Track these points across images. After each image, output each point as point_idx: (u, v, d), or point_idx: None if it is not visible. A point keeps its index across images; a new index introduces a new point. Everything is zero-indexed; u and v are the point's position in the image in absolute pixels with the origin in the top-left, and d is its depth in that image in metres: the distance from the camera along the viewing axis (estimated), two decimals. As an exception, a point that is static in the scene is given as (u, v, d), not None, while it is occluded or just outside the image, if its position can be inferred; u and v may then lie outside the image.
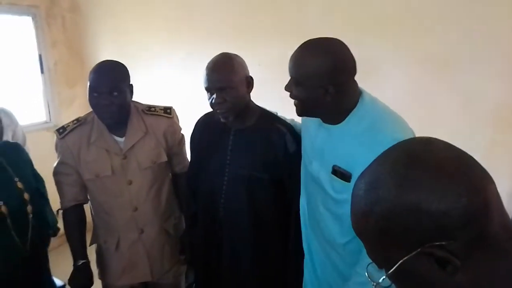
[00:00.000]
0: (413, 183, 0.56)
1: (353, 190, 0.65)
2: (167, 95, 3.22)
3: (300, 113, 1.34)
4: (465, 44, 2.06)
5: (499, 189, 1.85)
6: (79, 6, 3.68)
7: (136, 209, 1.75)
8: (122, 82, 1.63)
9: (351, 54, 1.25)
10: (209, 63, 1.52)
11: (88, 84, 1.60)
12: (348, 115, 1.27)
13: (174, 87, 3.26)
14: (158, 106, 1.82)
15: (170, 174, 1.93)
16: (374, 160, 0.64)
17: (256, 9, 2.70)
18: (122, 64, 1.67)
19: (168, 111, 1.83)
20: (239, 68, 1.52)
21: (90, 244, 1.86)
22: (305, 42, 1.27)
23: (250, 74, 1.58)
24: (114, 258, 1.81)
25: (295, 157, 1.56)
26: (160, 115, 1.80)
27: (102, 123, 1.68)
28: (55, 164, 1.73)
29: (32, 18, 3.50)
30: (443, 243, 0.54)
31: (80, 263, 1.71)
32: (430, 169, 0.56)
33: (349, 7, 2.35)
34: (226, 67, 1.49)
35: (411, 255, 0.56)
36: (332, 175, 1.29)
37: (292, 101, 2.54)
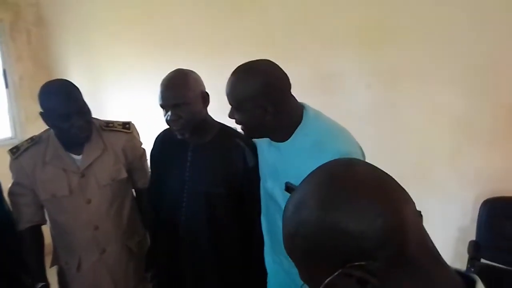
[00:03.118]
0: (333, 204, 0.57)
1: (283, 212, 0.66)
2: (138, 109, 3.18)
3: (247, 135, 1.38)
4: (430, 57, 2.08)
5: (465, 199, 1.88)
6: (44, 20, 3.62)
7: (96, 228, 1.70)
8: (83, 99, 1.62)
9: (282, 71, 1.28)
10: (163, 80, 1.50)
11: (46, 108, 1.55)
12: (293, 131, 1.29)
13: (145, 101, 3.20)
14: (116, 122, 1.79)
15: (133, 190, 1.88)
16: (301, 182, 0.66)
17: (228, 21, 2.69)
18: (70, 81, 1.64)
19: (127, 126, 1.79)
20: (194, 84, 1.50)
21: (51, 266, 1.81)
22: (235, 69, 1.31)
23: (206, 90, 1.56)
24: (75, 280, 1.75)
25: (255, 171, 1.54)
26: (119, 131, 1.76)
27: (57, 141, 1.64)
28: (10, 185, 1.68)
29: (-4, 33, 3.43)
30: (363, 263, 0.55)
31: (39, 286, 1.67)
32: (349, 190, 0.58)
33: (315, 22, 2.35)
34: (180, 83, 1.48)
35: (333, 276, 0.57)
36: (285, 192, 1.29)
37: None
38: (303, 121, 1.28)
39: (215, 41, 2.75)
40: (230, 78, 1.30)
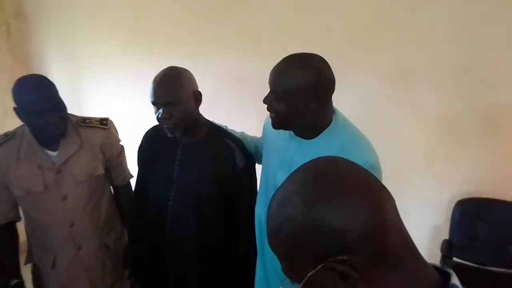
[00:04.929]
0: (317, 200, 0.59)
1: (267, 209, 0.67)
2: (119, 105, 3.15)
3: (277, 126, 1.33)
4: (414, 60, 2.12)
5: (439, 199, 1.92)
6: (25, 13, 3.55)
7: (72, 225, 1.69)
8: (59, 95, 1.59)
9: (332, 71, 1.25)
10: (155, 77, 1.48)
11: (20, 104, 1.52)
12: (321, 132, 1.29)
13: (126, 98, 3.19)
14: (93, 118, 1.77)
15: (111, 187, 1.87)
16: (285, 180, 0.67)
17: (213, 20, 2.67)
18: (46, 77, 1.61)
19: (105, 122, 1.77)
20: (187, 83, 1.48)
21: (25, 264, 1.79)
22: (288, 57, 1.26)
23: (198, 89, 1.54)
24: (50, 277, 1.74)
25: (244, 172, 1.55)
26: (96, 127, 1.74)
27: (32, 137, 1.61)
28: None
29: (-26, 25, 3.35)
30: (345, 257, 0.57)
31: (14, 283, 1.66)
32: (332, 187, 0.60)
33: (302, 22, 2.36)
34: (173, 82, 1.45)
35: (316, 270, 0.58)
36: None
37: (249, 112, 2.55)
38: (332, 124, 1.29)
39: (199, 40, 2.74)
40: (282, 65, 1.25)
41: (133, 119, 2.63)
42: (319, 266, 0.58)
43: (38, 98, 1.50)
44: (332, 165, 0.64)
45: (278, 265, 1.46)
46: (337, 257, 0.57)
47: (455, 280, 0.62)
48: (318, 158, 0.69)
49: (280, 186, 0.67)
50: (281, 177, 1.35)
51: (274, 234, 0.64)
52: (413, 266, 0.61)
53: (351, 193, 0.59)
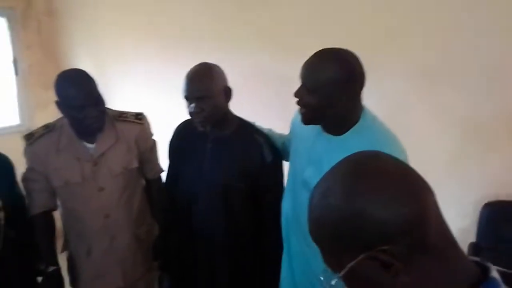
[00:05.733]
0: (360, 192, 0.60)
1: (309, 200, 0.68)
2: (146, 100, 3.21)
3: (307, 121, 1.33)
4: (440, 60, 2.11)
5: (465, 201, 1.90)
6: (55, 10, 3.64)
7: (107, 216, 1.73)
8: (98, 90, 1.64)
9: (363, 67, 1.27)
10: (188, 72, 1.54)
11: (61, 98, 1.57)
12: (349, 128, 1.30)
13: (153, 92, 3.24)
14: (129, 112, 1.82)
15: (143, 180, 1.92)
16: (327, 172, 0.68)
17: (236, 17, 2.70)
18: (86, 72, 1.65)
19: (140, 117, 1.82)
20: (218, 78, 1.54)
21: (61, 252, 1.84)
22: (320, 51, 1.28)
23: (228, 85, 1.58)
24: (85, 265, 1.79)
25: (271, 167, 1.58)
26: (132, 121, 1.79)
27: (71, 130, 1.66)
28: (23, 171, 1.71)
29: (7, 20, 3.45)
30: (386, 247, 0.58)
31: (51, 270, 1.71)
32: (375, 180, 0.61)
33: (330, 21, 2.35)
34: (205, 76, 1.51)
35: (358, 259, 0.60)
36: None
37: (270, 110, 2.55)
38: (360, 121, 1.30)
39: (222, 36, 2.76)
40: (314, 58, 1.27)
41: (158, 114, 2.67)
42: (361, 256, 0.59)
43: (79, 92, 1.55)
44: (374, 158, 0.66)
45: (305, 264, 1.46)
46: (379, 247, 0.58)
47: (494, 273, 0.62)
48: (360, 151, 0.70)
49: (322, 177, 0.68)
50: (309, 173, 1.37)
51: (316, 224, 0.66)
52: (453, 257, 0.62)
53: (393, 186, 0.60)
